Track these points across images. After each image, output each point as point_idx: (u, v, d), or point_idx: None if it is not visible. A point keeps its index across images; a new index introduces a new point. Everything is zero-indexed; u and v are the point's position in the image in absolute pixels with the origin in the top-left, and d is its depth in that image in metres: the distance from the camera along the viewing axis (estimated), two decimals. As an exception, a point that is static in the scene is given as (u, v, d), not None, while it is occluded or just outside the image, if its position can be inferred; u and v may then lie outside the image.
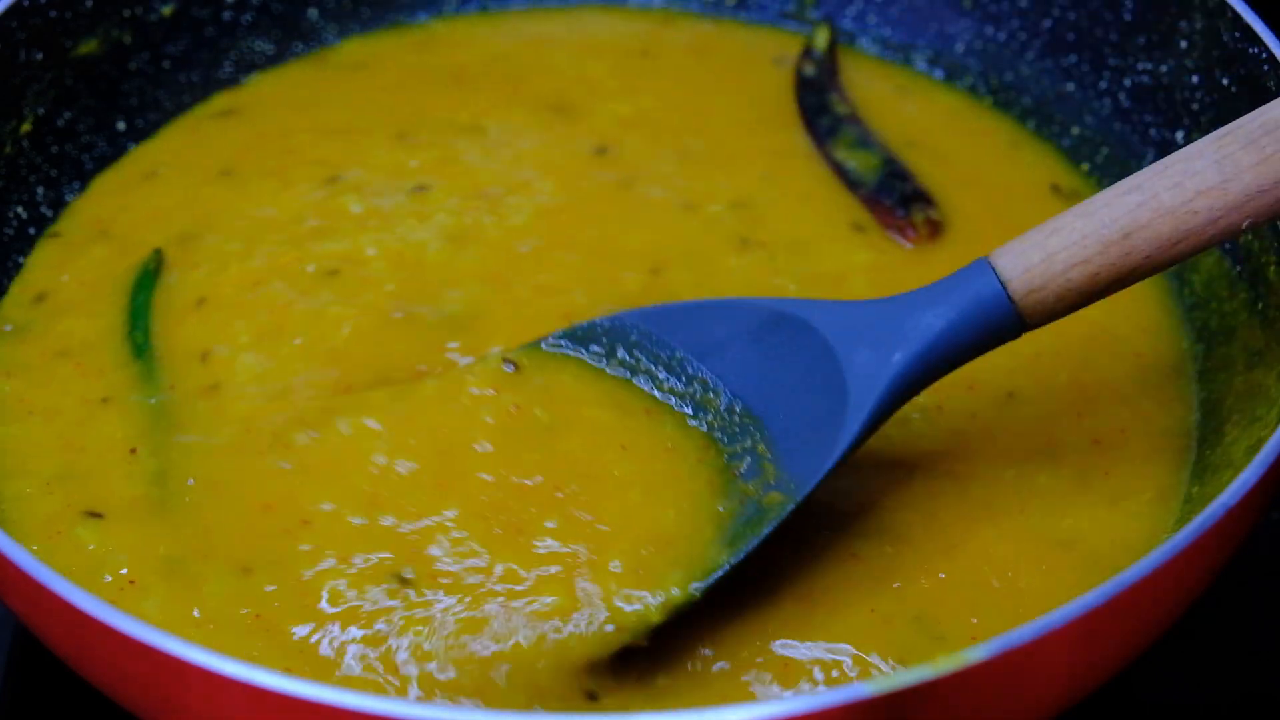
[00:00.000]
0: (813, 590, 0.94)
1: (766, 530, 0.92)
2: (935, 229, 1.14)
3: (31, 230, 1.15)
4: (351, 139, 1.21)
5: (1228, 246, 1.09)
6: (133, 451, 1.01)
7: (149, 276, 1.11)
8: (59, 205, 1.17)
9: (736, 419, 0.96)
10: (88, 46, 1.19)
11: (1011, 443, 1.01)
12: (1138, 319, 1.10)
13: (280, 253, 1.12)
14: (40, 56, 1.15)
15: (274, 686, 0.78)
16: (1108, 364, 1.06)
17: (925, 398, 1.01)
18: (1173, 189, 0.91)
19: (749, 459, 0.95)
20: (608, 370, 1.00)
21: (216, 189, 1.18)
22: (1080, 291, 0.92)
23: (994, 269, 0.93)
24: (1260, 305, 1.05)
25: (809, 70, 1.26)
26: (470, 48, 1.30)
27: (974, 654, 0.79)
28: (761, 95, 1.26)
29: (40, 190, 1.16)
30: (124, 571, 0.95)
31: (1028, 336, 1.04)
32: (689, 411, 0.97)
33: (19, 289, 1.12)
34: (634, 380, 0.99)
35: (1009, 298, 0.92)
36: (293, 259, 1.11)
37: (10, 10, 1.12)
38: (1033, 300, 0.92)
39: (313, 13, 1.29)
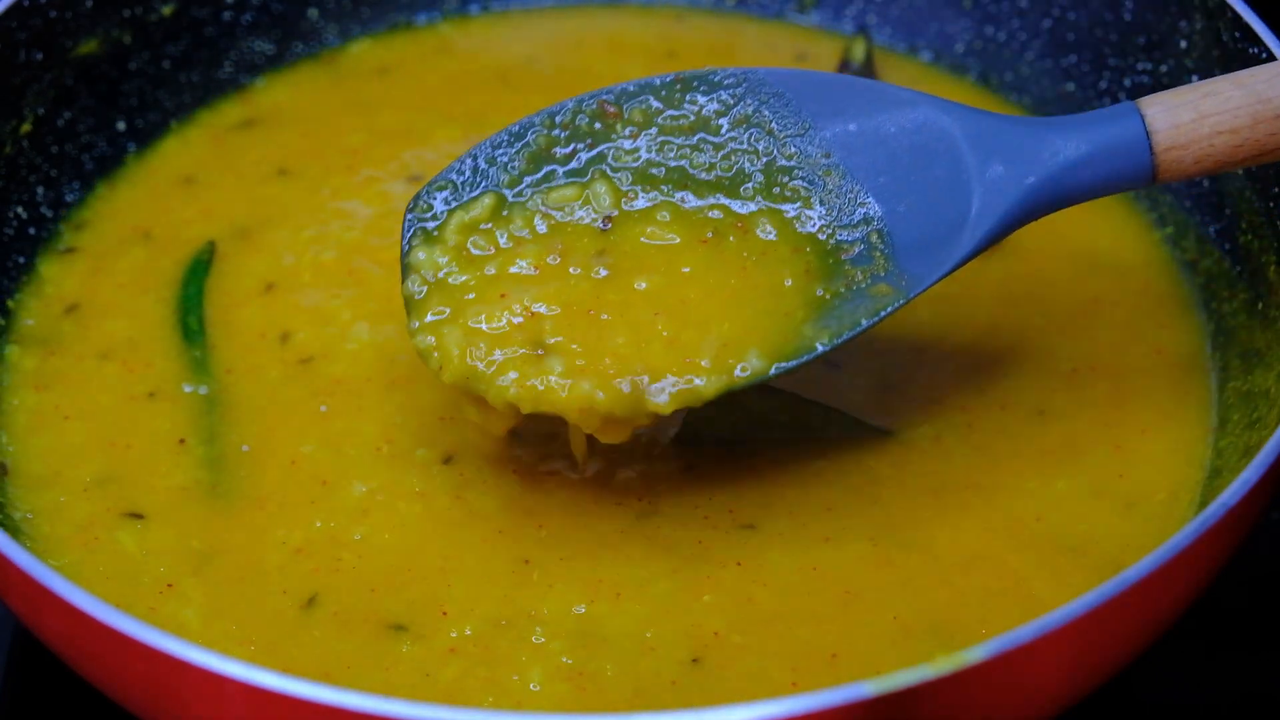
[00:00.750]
0: (848, 592, 0.95)
1: (867, 323, 0.92)
2: None
3: (31, 230, 1.15)
4: (412, 139, 1.20)
5: (1228, 246, 1.09)
6: (181, 442, 1.02)
7: (201, 266, 1.12)
8: (59, 207, 1.17)
9: (855, 205, 0.95)
10: (88, 46, 1.19)
11: (1037, 456, 1.01)
12: (1157, 315, 1.09)
13: (364, 239, 1.12)
14: (40, 56, 1.15)
15: (274, 686, 0.78)
16: (1139, 369, 1.06)
17: (957, 415, 1.02)
18: None
19: (861, 246, 0.94)
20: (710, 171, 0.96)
21: (274, 187, 1.17)
22: (1218, 160, 0.92)
23: (1141, 116, 0.92)
24: (1260, 305, 1.05)
25: None
26: (491, 50, 1.29)
27: (974, 654, 0.79)
28: None
29: (40, 190, 1.16)
30: (162, 569, 0.96)
31: (1064, 354, 1.04)
32: (803, 184, 0.95)
33: (42, 305, 1.11)
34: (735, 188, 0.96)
35: (1150, 148, 0.92)
36: (380, 245, 1.12)
37: (10, 10, 1.12)
38: (1171, 157, 0.92)
39: (313, 13, 1.29)
